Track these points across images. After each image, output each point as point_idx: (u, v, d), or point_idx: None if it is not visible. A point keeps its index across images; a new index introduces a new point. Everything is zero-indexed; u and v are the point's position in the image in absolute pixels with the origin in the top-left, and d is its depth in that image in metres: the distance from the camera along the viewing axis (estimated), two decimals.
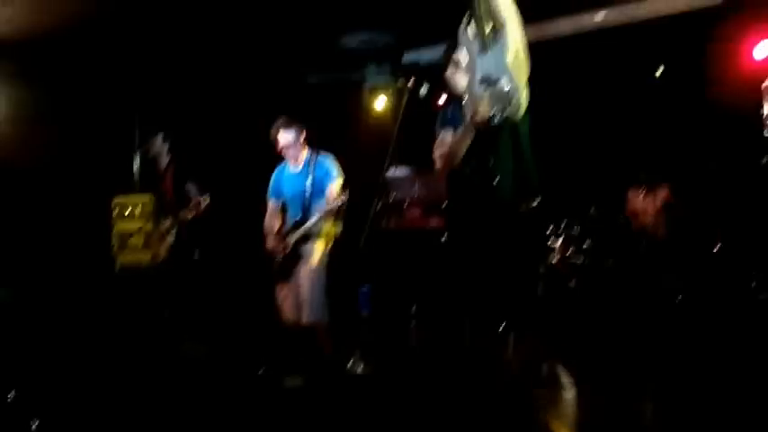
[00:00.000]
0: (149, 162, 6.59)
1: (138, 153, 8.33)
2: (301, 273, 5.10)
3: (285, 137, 5.10)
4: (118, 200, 8.06)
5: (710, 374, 4.88)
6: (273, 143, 5.15)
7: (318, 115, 5.41)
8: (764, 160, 5.76)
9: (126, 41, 7.28)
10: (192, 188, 6.13)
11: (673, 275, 6.34)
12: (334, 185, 5.06)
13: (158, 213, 6.50)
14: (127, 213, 7.95)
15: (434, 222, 7.08)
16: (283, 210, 5.38)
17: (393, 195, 7.09)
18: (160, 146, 6.46)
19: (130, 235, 7.72)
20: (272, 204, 5.36)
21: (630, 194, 6.94)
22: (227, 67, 8.06)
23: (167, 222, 6.36)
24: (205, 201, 5.97)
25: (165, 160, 6.48)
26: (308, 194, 5.11)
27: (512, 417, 4.02)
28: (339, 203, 4.88)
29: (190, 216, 6.07)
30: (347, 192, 4.92)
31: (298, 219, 5.14)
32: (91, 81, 7.76)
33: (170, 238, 6.34)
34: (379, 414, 4.27)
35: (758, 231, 5.93)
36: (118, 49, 7.42)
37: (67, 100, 7.78)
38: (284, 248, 5.11)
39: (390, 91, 4.06)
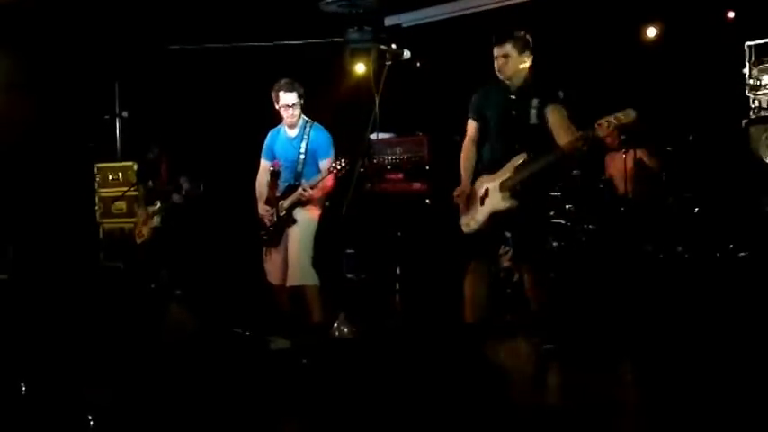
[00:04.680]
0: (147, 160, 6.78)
1: (118, 119, 8.37)
2: (291, 237, 5.13)
3: (287, 97, 5.11)
4: (101, 166, 8.09)
5: (691, 335, 4.96)
6: (271, 102, 5.16)
7: (300, 79, 5.38)
8: (745, 120, 5.79)
9: (105, 7, 7.20)
10: (185, 180, 6.32)
11: (652, 236, 6.41)
12: (330, 160, 5.08)
13: (149, 197, 6.61)
14: (110, 179, 7.98)
15: (417, 186, 7.11)
16: (275, 174, 5.37)
17: (376, 159, 7.11)
18: (154, 147, 6.68)
19: (114, 200, 7.76)
20: (263, 164, 5.39)
21: (609, 157, 6.98)
22: (207, 36, 8.01)
23: (156, 206, 6.47)
24: (196, 188, 6.16)
25: (157, 151, 6.65)
26: (302, 161, 5.13)
27: (492, 378, 4.08)
28: (336, 170, 4.88)
29: (182, 200, 6.25)
30: (343, 160, 4.91)
31: (290, 184, 5.16)
32: (71, 47, 7.68)
33: (156, 220, 6.46)
34: (363, 376, 4.33)
35: (737, 191, 6.00)
36: (98, 14, 7.33)
37: (48, 66, 7.70)
38: (278, 213, 5.14)
39: (372, 55, 4.07)
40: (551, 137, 4.28)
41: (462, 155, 4.70)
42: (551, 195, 6.09)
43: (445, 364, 4.28)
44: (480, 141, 4.64)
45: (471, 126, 4.66)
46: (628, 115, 3.98)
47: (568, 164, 4.54)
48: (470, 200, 4.57)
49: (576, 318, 5.61)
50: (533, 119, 4.33)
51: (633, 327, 5.26)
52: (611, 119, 3.97)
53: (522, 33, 4.41)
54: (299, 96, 5.14)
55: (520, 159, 4.32)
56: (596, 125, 4.02)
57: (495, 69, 4.42)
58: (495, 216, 4.44)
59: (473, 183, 4.59)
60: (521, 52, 4.38)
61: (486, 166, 4.57)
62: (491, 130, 4.57)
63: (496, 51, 4.38)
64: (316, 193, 5.07)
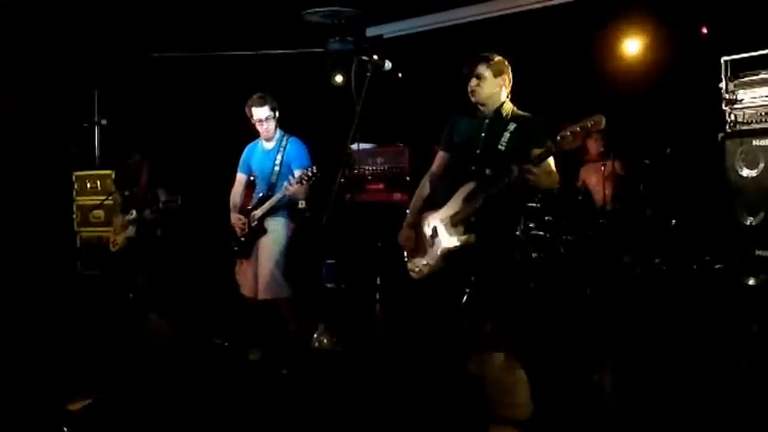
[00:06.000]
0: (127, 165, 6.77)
1: (97, 126, 8.33)
2: (262, 249, 5.11)
3: (259, 111, 5.09)
4: (79, 174, 8.04)
5: (667, 346, 5.01)
6: (248, 117, 5.15)
7: (281, 89, 5.39)
8: (721, 134, 5.86)
9: (85, 14, 7.18)
10: (162, 191, 6.34)
11: (630, 247, 6.46)
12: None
13: (125, 206, 6.59)
14: (88, 187, 7.94)
15: (397, 196, 7.14)
16: (250, 185, 5.38)
17: (356, 169, 7.12)
18: (136, 153, 6.68)
19: (92, 209, 7.72)
20: (239, 177, 5.38)
21: (585, 168, 7.04)
22: (188, 45, 8.00)
23: (132, 215, 6.44)
24: (173, 202, 6.17)
25: (138, 158, 6.64)
26: (276, 172, 5.12)
27: (471, 386, 4.09)
28: (307, 177, 4.87)
29: (154, 215, 6.27)
30: (313, 168, 4.91)
31: (263, 195, 5.15)
32: (51, 54, 7.64)
33: (131, 230, 6.44)
34: (343, 387, 4.33)
35: (713, 203, 6.06)
36: (78, 21, 7.31)
37: (27, 73, 7.65)
38: (249, 223, 5.12)
39: (353, 65, 4.06)
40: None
41: (417, 190, 4.23)
42: (523, 216, 6.05)
43: (425, 375, 4.29)
44: (444, 175, 4.14)
45: (438, 157, 4.19)
46: (597, 122, 3.42)
47: (530, 187, 3.62)
48: (418, 242, 4.04)
49: (555, 328, 5.65)
50: (503, 145, 3.81)
51: (611, 337, 5.30)
52: (576, 128, 3.43)
53: (499, 58, 3.99)
54: (272, 110, 5.10)
55: (468, 188, 3.82)
56: (560, 137, 3.48)
57: (468, 92, 3.97)
58: (449, 255, 3.86)
59: (418, 222, 4.06)
60: (496, 75, 3.93)
61: (432, 200, 4.07)
62: (458, 156, 4.07)
63: (468, 72, 3.96)
64: (294, 192, 5.02)
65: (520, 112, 3.97)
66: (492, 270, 3.81)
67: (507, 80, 3.99)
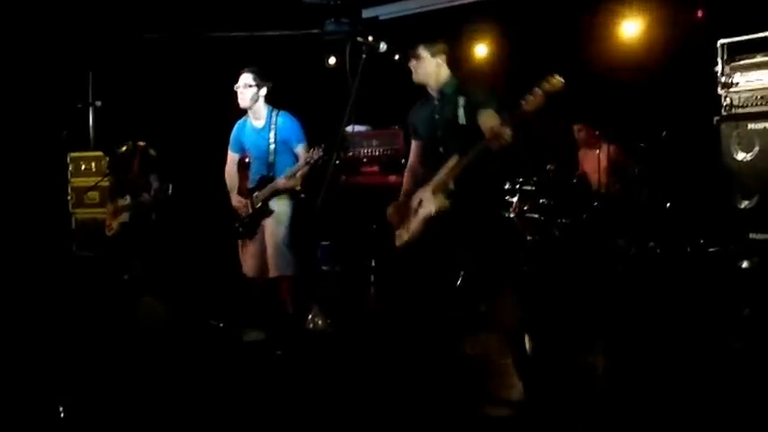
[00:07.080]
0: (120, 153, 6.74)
1: (92, 108, 8.30)
2: (268, 229, 5.10)
3: (243, 77, 5.06)
4: (74, 155, 8.01)
5: (661, 329, 5.02)
6: (235, 96, 5.12)
7: (276, 70, 5.36)
8: (717, 117, 5.86)
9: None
10: (154, 178, 6.34)
11: (624, 230, 6.48)
12: (304, 147, 5.07)
13: (119, 190, 6.57)
14: (83, 169, 7.92)
15: (392, 179, 7.13)
16: (243, 165, 5.36)
17: (351, 152, 7.11)
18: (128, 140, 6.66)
19: (86, 190, 7.70)
20: (231, 156, 5.35)
21: (582, 153, 7.04)
22: (184, 26, 7.95)
23: (126, 200, 6.43)
24: (164, 191, 6.18)
25: (131, 145, 6.61)
26: (272, 151, 5.10)
27: (465, 368, 4.11)
28: (314, 159, 4.88)
29: (148, 201, 6.27)
30: (321, 149, 4.90)
31: (264, 175, 5.13)
32: (45, 35, 7.60)
33: (125, 216, 6.43)
34: (337, 368, 4.34)
35: (708, 187, 6.07)
36: (72, 1, 7.27)
37: (21, 54, 7.61)
38: (252, 204, 5.11)
39: (348, 47, 4.02)
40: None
41: (404, 177, 4.59)
42: (504, 190, 6.22)
43: (419, 357, 4.30)
44: (421, 162, 4.46)
45: (414, 147, 4.54)
46: (553, 83, 3.69)
47: (504, 153, 3.85)
48: (404, 214, 4.32)
49: (550, 311, 5.66)
50: (461, 119, 4.08)
51: (605, 320, 5.32)
52: (537, 90, 3.69)
53: (438, 40, 4.29)
54: (255, 80, 5.06)
55: (452, 162, 4.05)
56: (521, 101, 3.72)
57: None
58: (429, 222, 4.11)
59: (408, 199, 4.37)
60: (434, 54, 4.22)
61: (420, 180, 4.35)
62: (425, 143, 4.39)
63: (408, 55, 4.26)
64: (295, 183, 5.04)
65: (463, 82, 4.24)
66: (473, 240, 4.06)
67: (446, 58, 4.24)
